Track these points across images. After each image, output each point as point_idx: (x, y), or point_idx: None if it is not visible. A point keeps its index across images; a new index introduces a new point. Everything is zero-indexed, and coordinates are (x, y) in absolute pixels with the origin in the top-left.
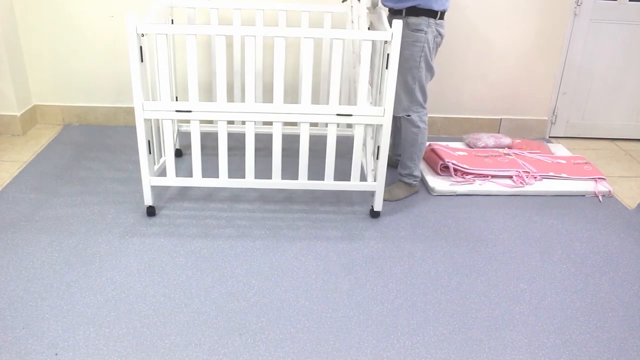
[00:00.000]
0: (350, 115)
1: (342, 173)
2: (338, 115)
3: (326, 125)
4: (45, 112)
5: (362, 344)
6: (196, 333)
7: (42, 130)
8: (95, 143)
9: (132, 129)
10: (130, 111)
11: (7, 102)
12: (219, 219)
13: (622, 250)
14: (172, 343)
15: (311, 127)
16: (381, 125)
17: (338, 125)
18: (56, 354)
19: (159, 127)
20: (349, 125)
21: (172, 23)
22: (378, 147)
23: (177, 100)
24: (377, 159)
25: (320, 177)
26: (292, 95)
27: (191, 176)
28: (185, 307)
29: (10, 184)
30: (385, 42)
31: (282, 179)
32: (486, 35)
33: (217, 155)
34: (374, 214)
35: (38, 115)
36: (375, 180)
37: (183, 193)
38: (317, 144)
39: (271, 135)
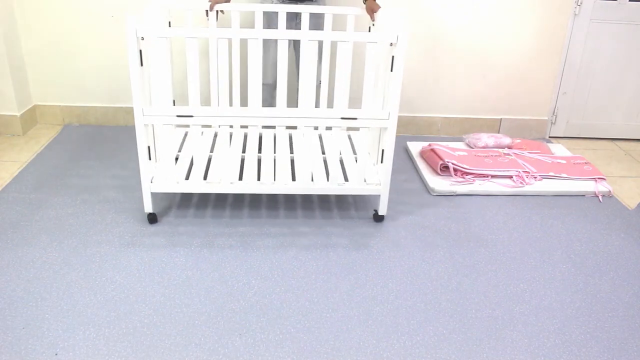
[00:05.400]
0: (355, 118)
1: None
2: (342, 118)
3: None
4: (45, 112)
5: (362, 344)
6: (196, 333)
7: (42, 130)
8: (95, 143)
9: (132, 128)
10: (130, 111)
11: (7, 102)
12: (219, 220)
13: (622, 250)
14: (172, 343)
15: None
16: (386, 129)
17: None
18: (56, 354)
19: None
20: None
21: (170, 25)
22: (382, 150)
23: (174, 104)
24: (381, 162)
25: (323, 179)
26: (292, 98)
27: (191, 182)
28: (185, 307)
29: (10, 183)
30: (391, 44)
31: (285, 183)
32: (486, 35)
33: (217, 158)
34: (378, 218)
35: (38, 115)
36: (379, 184)
37: (184, 196)
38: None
39: (273, 137)
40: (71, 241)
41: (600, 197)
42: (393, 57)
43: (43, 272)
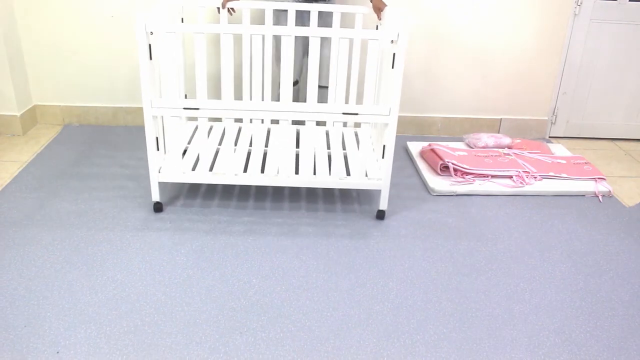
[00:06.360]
0: (356, 114)
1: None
2: (344, 114)
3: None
4: (45, 112)
5: (363, 342)
6: (197, 331)
7: (42, 130)
8: (95, 143)
9: (133, 129)
10: (130, 111)
11: (7, 102)
12: (222, 217)
13: (622, 250)
14: (173, 341)
15: (318, 125)
16: (387, 125)
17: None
18: (57, 352)
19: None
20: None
21: (182, 21)
22: (384, 145)
23: (186, 97)
24: (382, 157)
25: (326, 173)
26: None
27: (197, 172)
28: (186, 305)
29: (10, 183)
30: (392, 41)
31: (288, 175)
32: (486, 35)
33: (223, 151)
34: (380, 214)
35: (38, 115)
36: (380, 179)
37: (186, 190)
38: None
39: (280, 132)
40: (72, 240)
41: (600, 197)
42: (394, 54)
43: (44, 270)
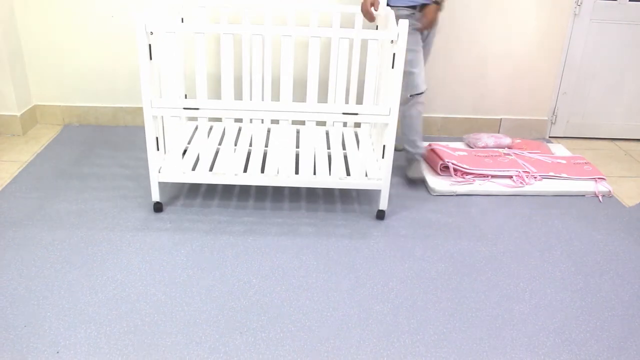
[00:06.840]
0: (356, 114)
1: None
2: (344, 114)
3: (332, 123)
4: (45, 112)
5: (362, 342)
6: (197, 331)
7: (42, 130)
8: (95, 143)
9: (133, 129)
10: (130, 111)
11: (7, 102)
12: (222, 217)
13: (622, 250)
14: (173, 341)
15: (318, 125)
16: (387, 124)
17: (346, 124)
18: (57, 352)
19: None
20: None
21: (182, 21)
22: (384, 145)
23: (186, 97)
24: (382, 157)
25: (326, 173)
26: (300, 93)
27: (197, 172)
28: (186, 305)
29: (10, 183)
30: (392, 41)
31: (288, 175)
32: (486, 35)
33: (223, 151)
34: (380, 214)
35: (38, 115)
36: (380, 179)
37: (186, 190)
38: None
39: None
40: (72, 240)
41: (600, 197)
42: (394, 54)
43: (44, 270)
